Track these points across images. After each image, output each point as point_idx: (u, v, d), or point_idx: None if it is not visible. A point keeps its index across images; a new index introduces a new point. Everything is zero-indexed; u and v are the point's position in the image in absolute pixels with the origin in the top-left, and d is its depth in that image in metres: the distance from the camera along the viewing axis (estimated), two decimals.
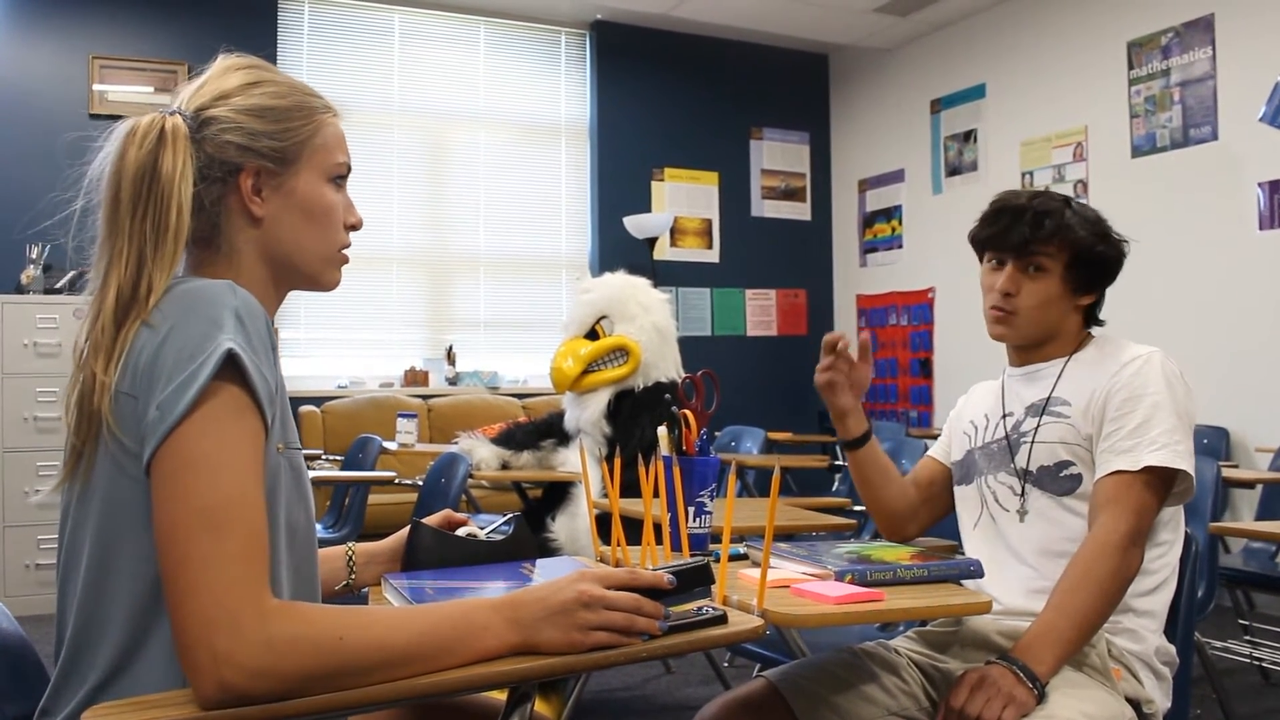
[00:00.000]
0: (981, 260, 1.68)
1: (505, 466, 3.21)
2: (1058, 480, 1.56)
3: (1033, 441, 1.59)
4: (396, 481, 4.00)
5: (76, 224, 1.06)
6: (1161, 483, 1.47)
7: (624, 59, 6.45)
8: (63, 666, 0.98)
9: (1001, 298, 1.61)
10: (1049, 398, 1.61)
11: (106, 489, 0.96)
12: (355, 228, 1.18)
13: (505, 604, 0.97)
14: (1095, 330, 1.68)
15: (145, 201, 1.01)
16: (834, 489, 5.23)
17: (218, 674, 0.84)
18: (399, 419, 4.22)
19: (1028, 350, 1.67)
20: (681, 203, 6.58)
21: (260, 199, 1.09)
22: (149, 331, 0.96)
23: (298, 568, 1.07)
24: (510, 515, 1.42)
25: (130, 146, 1.03)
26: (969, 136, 6.07)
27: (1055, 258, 1.58)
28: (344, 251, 1.17)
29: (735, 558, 1.45)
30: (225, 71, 1.11)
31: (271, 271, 1.12)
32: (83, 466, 0.98)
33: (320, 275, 1.16)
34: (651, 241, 6.17)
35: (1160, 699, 1.47)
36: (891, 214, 6.62)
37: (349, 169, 1.17)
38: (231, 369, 0.93)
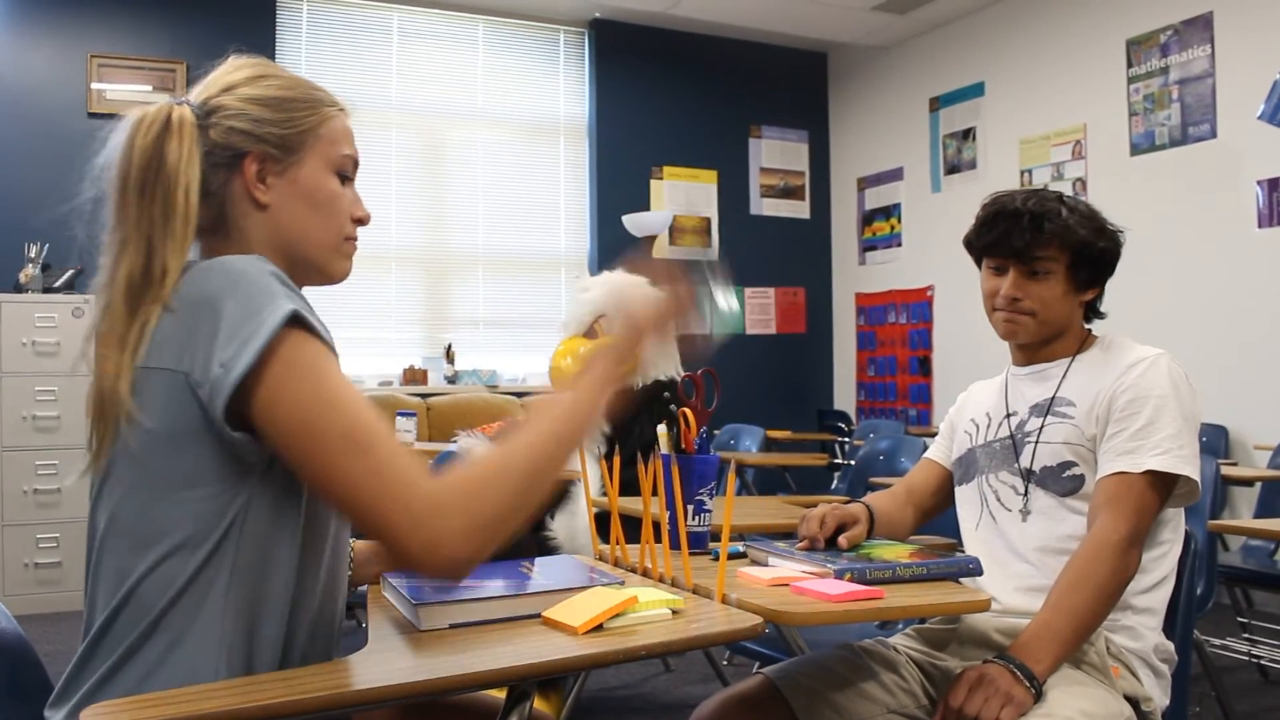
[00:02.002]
0: (980, 264, 1.68)
1: None
2: (1060, 480, 1.55)
3: (1037, 441, 1.59)
4: None
5: (81, 217, 1.07)
6: (1163, 485, 1.47)
7: (622, 57, 6.44)
8: (85, 650, 0.98)
9: (1010, 303, 1.60)
10: (1053, 398, 1.60)
11: (133, 474, 0.97)
12: (362, 222, 1.19)
13: (582, 376, 1.12)
14: (1100, 331, 1.68)
15: (153, 186, 1.02)
16: (832, 487, 5.23)
17: (446, 563, 0.94)
18: (398, 418, 4.23)
19: (1034, 349, 1.66)
20: (680, 201, 6.57)
21: (265, 185, 1.10)
22: (170, 314, 0.97)
23: (331, 568, 1.09)
24: None
25: (137, 135, 1.04)
26: (968, 134, 6.06)
27: (1057, 259, 1.57)
28: (351, 242, 1.18)
29: (734, 556, 1.45)
30: (234, 68, 1.14)
31: (280, 261, 1.10)
32: (105, 453, 0.98)
33: (328, 264, 1.16)
34: (650, 240, 6.17)
35: (1159, 696, 1.47)
36: (890, 212, 6.62)
37: (356, 163, 1.18)
38: (295, 325, 0.95)
